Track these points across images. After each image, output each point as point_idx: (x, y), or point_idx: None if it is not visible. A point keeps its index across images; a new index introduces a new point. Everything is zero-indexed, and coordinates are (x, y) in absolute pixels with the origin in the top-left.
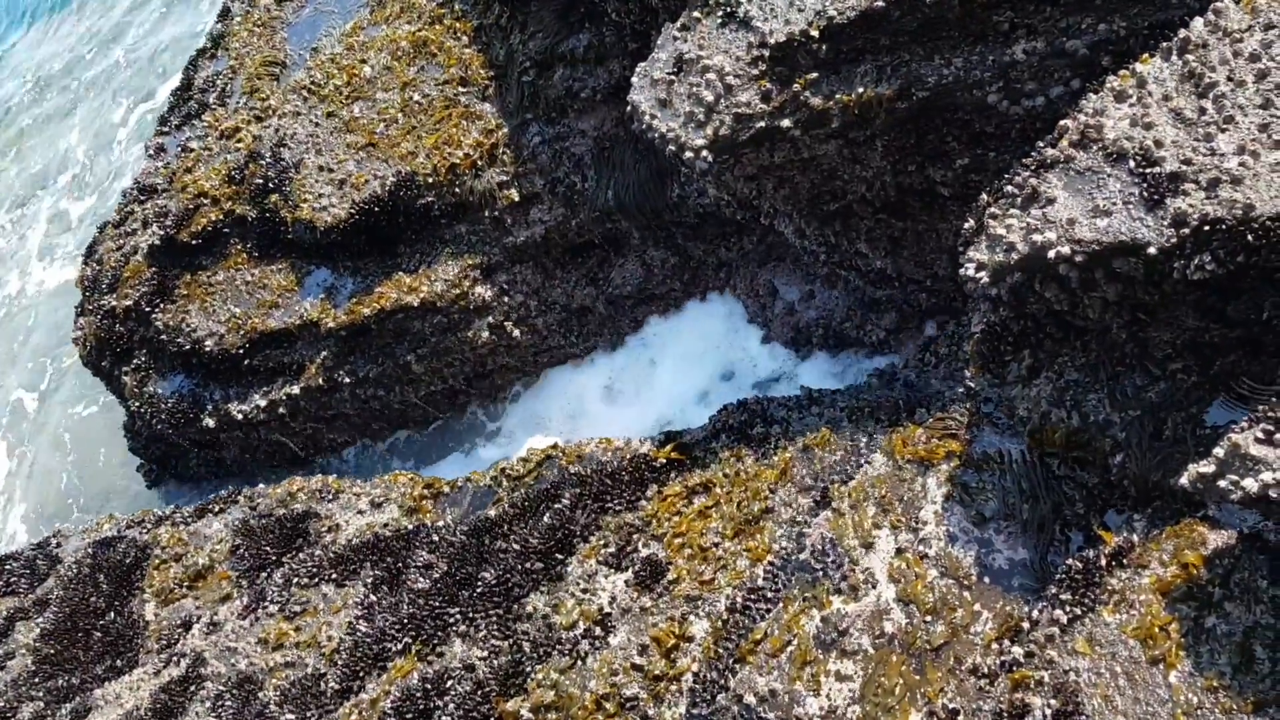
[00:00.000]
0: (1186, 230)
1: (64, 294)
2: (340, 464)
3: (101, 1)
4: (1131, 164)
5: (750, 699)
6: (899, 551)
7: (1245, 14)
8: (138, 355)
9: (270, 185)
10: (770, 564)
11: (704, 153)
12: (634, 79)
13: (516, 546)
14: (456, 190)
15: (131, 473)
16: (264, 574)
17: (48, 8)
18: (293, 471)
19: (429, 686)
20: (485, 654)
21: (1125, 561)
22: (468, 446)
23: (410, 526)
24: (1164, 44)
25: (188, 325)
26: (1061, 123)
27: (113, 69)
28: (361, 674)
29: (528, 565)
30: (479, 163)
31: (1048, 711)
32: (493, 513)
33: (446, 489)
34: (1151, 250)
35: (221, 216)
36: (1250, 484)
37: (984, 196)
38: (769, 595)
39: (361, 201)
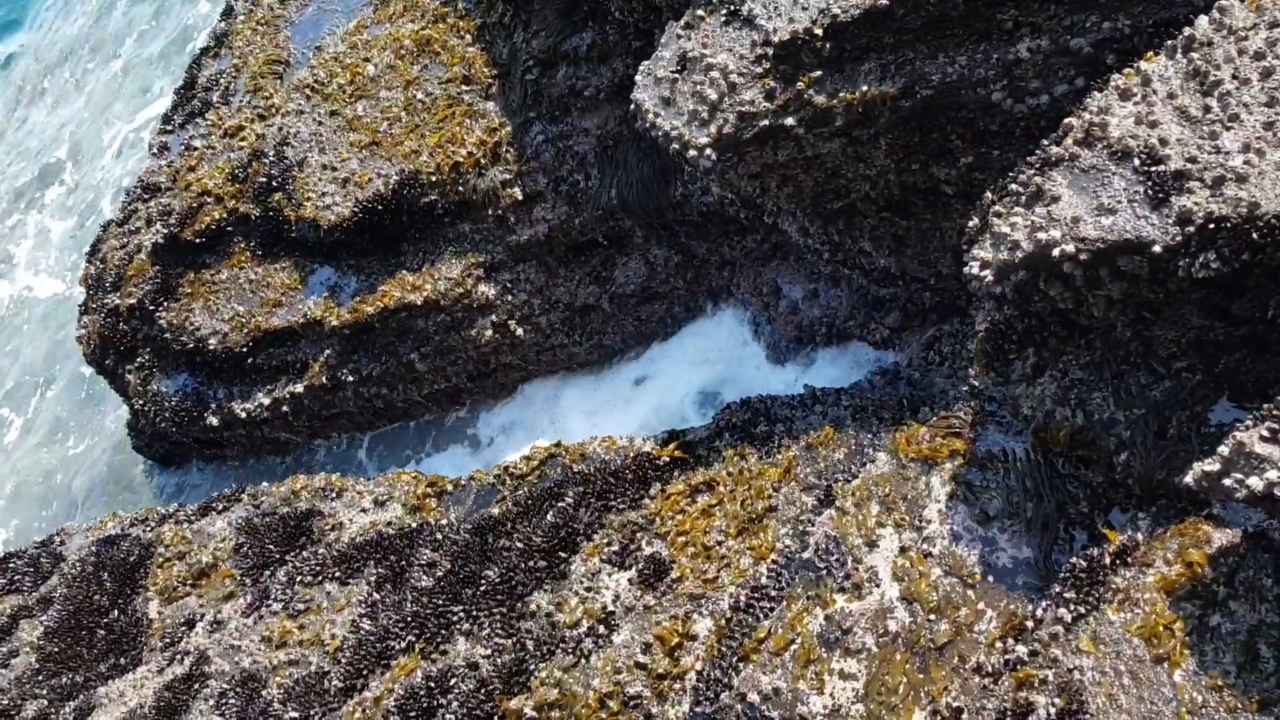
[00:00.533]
0: (1191, 228)
1: (51, 307)
2: (312, 457)
3: (93, 16)
4: (1136, 162)
5: (754, 697)
6: (903, 550)
7: (1250, 12)
8: (141, 354)
9: (274, 184)
10: (774, 562)
11: (707, 151)
12: (637, 77)
13: (520, 545)
14: (460, 189)
15: (120, 483)
16: (267, 572)
17: (29, 19)
18: (285, 461)
19: (432, 685)
20: (489, 652)
21: (1129, 560)
22: (445, 446)
23: (414, 525)
24: (1169, 42)
25: (191, 324)
26: (1066, 121)
27: (101, 80)
28: (365, 672)
29: (531, 564)
30: (482, 161)
31: (1051, 710)
32: (496, 511)
33: (450, 487)
34: (1156, 248)
35: (225, 215)
36: (1255, 482)
37: (988, 195)
38: (772, 594)
39: (365, 200)
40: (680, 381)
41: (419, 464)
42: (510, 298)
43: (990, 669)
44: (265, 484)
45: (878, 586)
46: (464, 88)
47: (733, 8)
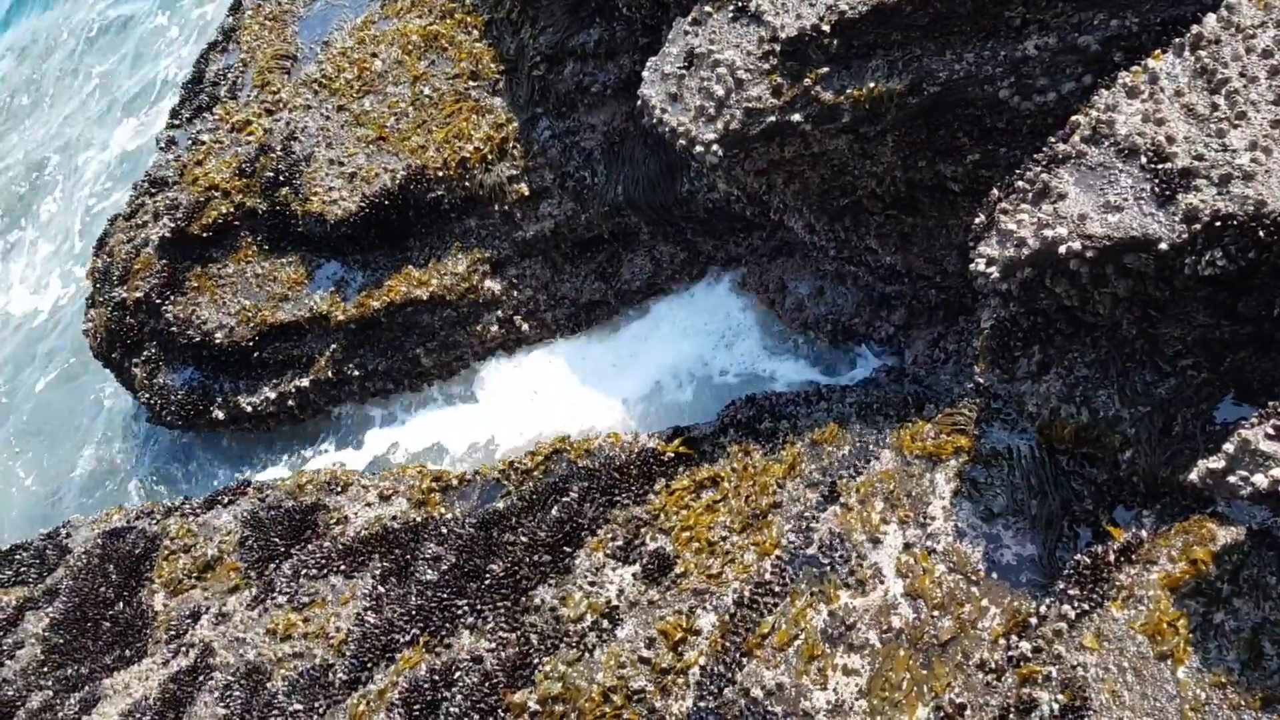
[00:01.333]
0: (1198, 226)
1: (30, 319)
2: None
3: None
4: (1143, 160)
5: (757, 692)
6: (907, 546)
7: (1258, 10)
8: (148, 347)
9: (281, 178)
10: (778, 558)
11: (714, 147)
12: (644, 73)
13: (525, 539)
14: (466, 184)
15: (123, 478)
16: (273, 565)
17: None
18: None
19: (437, 678)
20: (493, 646)
21: (1134, 557)
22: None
23: (419, 519)
24: (1176, 40)
25: (198, 317)
26: (1073, 118)
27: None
28: (369, 665)
29: (536, 558)
30: (489, 157)
31: (1055, 706)
32: (501, 505)
33: (455, 482)
34: (1162, 246)
35: (232, 209)
36: (1260, 479)
37: (995, 192)
38: (776, 589)
39: (372, 195)
40: (669, 349)
41: (396, 425)
42: (516, 293)
43: (994, 665)
44: (271, 478)
45: (882, 583)
46: (471, 83)
47: (740, 4)
